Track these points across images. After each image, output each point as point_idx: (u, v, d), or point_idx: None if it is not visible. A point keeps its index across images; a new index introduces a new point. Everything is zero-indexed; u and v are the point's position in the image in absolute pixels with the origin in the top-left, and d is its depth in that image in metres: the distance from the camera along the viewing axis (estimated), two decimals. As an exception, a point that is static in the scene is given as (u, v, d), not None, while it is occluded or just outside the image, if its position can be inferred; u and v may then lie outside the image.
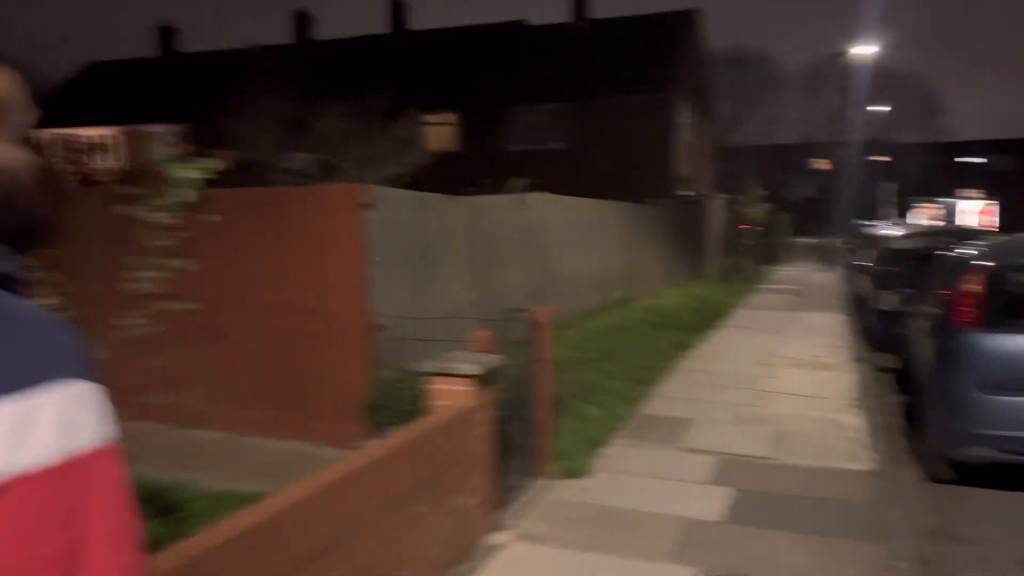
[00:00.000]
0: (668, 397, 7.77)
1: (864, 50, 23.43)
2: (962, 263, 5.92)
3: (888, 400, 8.05)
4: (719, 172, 39.57)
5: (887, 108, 48.02)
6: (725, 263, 23.38)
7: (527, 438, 5.45)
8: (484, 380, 4.32)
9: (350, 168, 11.58)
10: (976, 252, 5.94)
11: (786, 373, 8.92)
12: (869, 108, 42.83)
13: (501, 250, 8.89)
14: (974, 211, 46.12)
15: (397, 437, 3.76)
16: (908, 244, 12.60)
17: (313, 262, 5.94)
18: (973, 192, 53.48)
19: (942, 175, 56.59)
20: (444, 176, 14.57)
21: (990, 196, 50.18)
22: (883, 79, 49.31)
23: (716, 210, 21.88)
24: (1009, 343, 5.18)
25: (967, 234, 12.51)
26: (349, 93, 16.45)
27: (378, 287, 6.11)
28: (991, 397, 5.13)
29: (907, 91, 51.40)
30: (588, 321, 11.15)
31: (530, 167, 25.87)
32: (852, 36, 48.48)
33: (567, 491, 5.23)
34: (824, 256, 25.97)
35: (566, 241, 11.14)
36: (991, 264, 5.47)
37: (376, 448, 3.63)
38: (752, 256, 24.70)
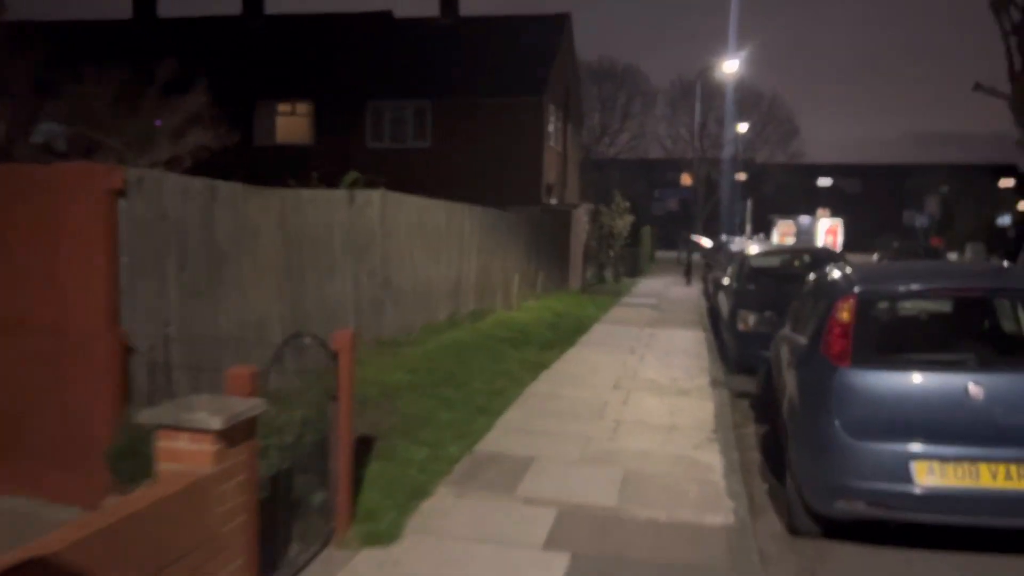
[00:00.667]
0: (511, 429, 6.86)
1: (729, 67, 23.86)
2: (830, 288, 5.33)
3: (746, 431, 7.50)
4: (586, 183, 39.75)
5: (746, 127, 50.15)
6: (589, 274, 23.06)
7: (321, 495, 4.36)
8: (233, 435, 3.19)
9: (121, 148, 9.94)
10: (844, 276, 5.38)
11: (641, 399, 8.25)
12: (732, 126, 44.49)
13: (325, 254, 7.72)
14: (822, 230, 48.78)
15: (77, 526, 2.58)
16: (765, 262, 12.42)
17: (44, 264, 4.58)
18: (823, 211, 56.85)
19: (797, 195, 59.94)
20: (294, 171, 13.07)
21: (836, 216, 53.30)
22: (745, 99, 51.53)
23: (582, 220, 21.51)
24: (883, 381, 4.59)
25: (822, 254, 12.49)
26: (186, 75, 14.70)
27: (136, 297, 4.83)
28: (862, 443, 4.52)
29: (766, 112, 53.95)
30: (433, 337, 10.14)
31: (391, 166, 24.62)
32: (717, 56, 50.35)
33: (365, 566, 4.17)
34: (685, 270, 26.25)
35: (412, 246, 10.09)
36: (863, 290, 4.88)
37: (40, 545, 2.44)
38: (616, 268, 24.56)
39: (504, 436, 6.61)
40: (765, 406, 7.44)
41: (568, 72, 28.65)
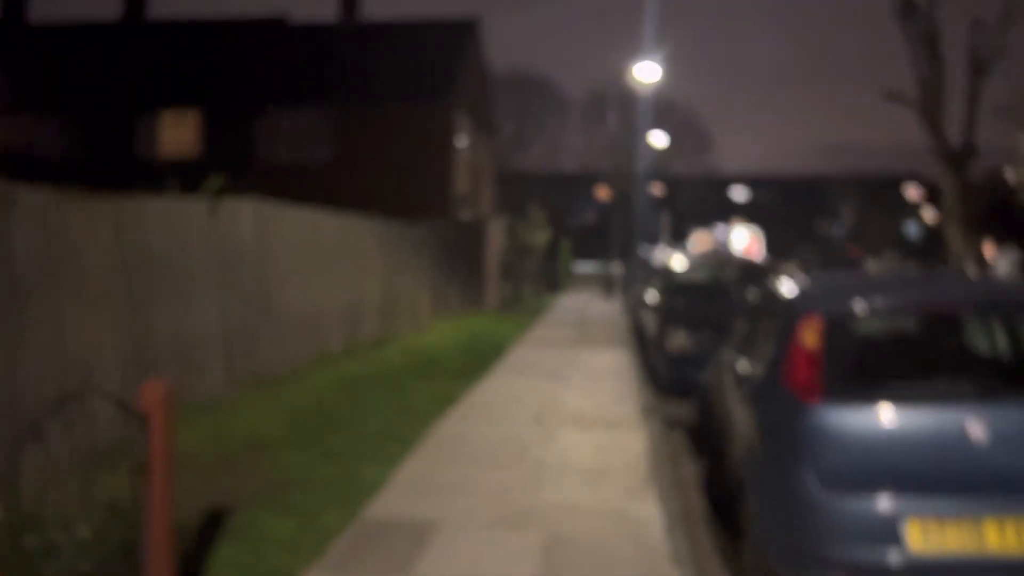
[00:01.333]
0: (409, 484, 5.77)
1: (645, 72, 23.49)
2: (787, 306, 4.49)
3: (686, 470, 6.63)
4: (501, 196, 39.06)
5: (664, 138, 50.53)
6: (505, 291, 22.18)
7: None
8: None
9: None
10: (804, 291, 4.56)
11: (566, 436, 7.29)
12: (648, 137, 44.57)
13: (182, 278, 6.48)
14: (742, 241, 49.44)
15: None
16: (693, 276, 11.74)
17: None
18: (738, 220, 57.86)
19: (712, 206, 60.89)
20: (181, 187, 11.61)
21: (752, 226, 54.23)
22: (659, 110, 51.94)
23: (496, 234, 20.62)
24: (862, 419, 3.74)
25: (752, 266, 11.89)
26: (56, 84, 13.09)
27: None
28: (840, 498, 3.65)
29: (681, 124, 54.58)
30: (323, 370, 8.96)
31: (291, 181, 23.16)
32: (631, 65, 50.62)
33: None
34: (606, 284, 25.69)
35: (297, 266, 8.91)
36: (831, 308, 4.05)
37: None
38: (534, 284, 23.76)
39: (400, 495, 5.51)
40: (704, 438, 6.61)
41: (479, 80, 27.85)
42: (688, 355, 9.20)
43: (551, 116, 54.41)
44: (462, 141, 24.32)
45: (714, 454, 5.78)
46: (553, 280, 27.30)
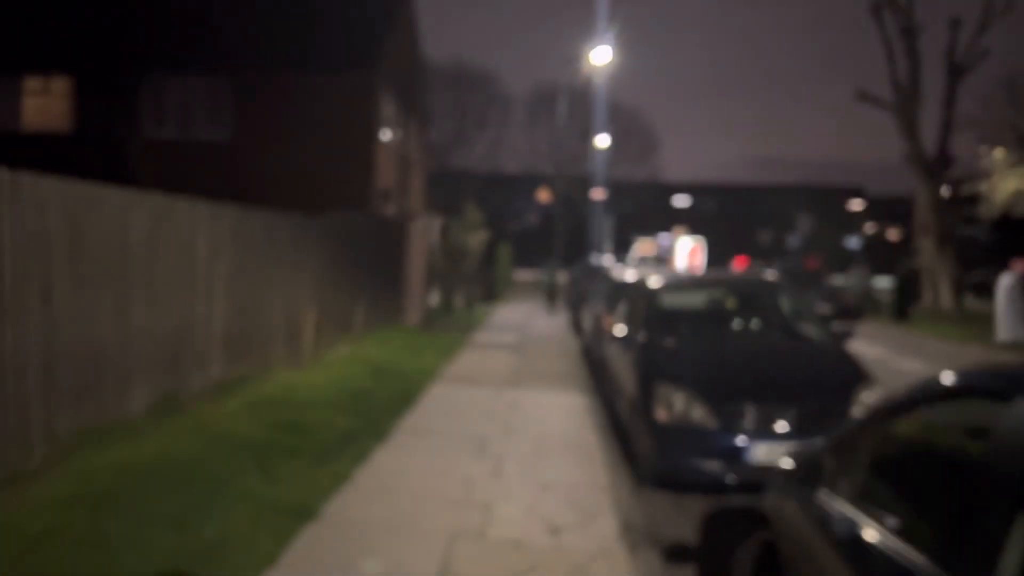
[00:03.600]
0: None
1: (599, 55, 20.12)
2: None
3: None
4: (438, 195, 35.27)
5: (608, 142, 47.45)
6: (432, 303, 18.49)
7: None
8: None
9: None
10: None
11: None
12: (595, 137, 41.37)
13: None
14: (686, 249, 46.64)
15: None
16: (684, 300, 8.26)
17: None
18: (680, 229, 55.21)
19: (655, 213, 58.20)
20: (49, 166, 7.37)
21: (694, 234, 51.59)
22: (606, 111, 48.83)
23: (423, 234, 16.91)
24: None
25: (761, 287, 8.47)
26: None
27: None
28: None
29: (626, 126, 51.59)
30: (87, 459, 5.15)
31: (181, 161, 18.78)
32: (581, 52, 47.49)
33: None
34: (549, 295, 22.20)
35: (53, 276, 5.09)
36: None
37: None
38: (468, 293, 20.12)
39: None
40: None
41: (410, 58, 24.03)
42: (688, 429, 5.73)
43: (494, 113, 50.86)
44: (388, 124, 20.50)
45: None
46: (491, 289, 23.69)
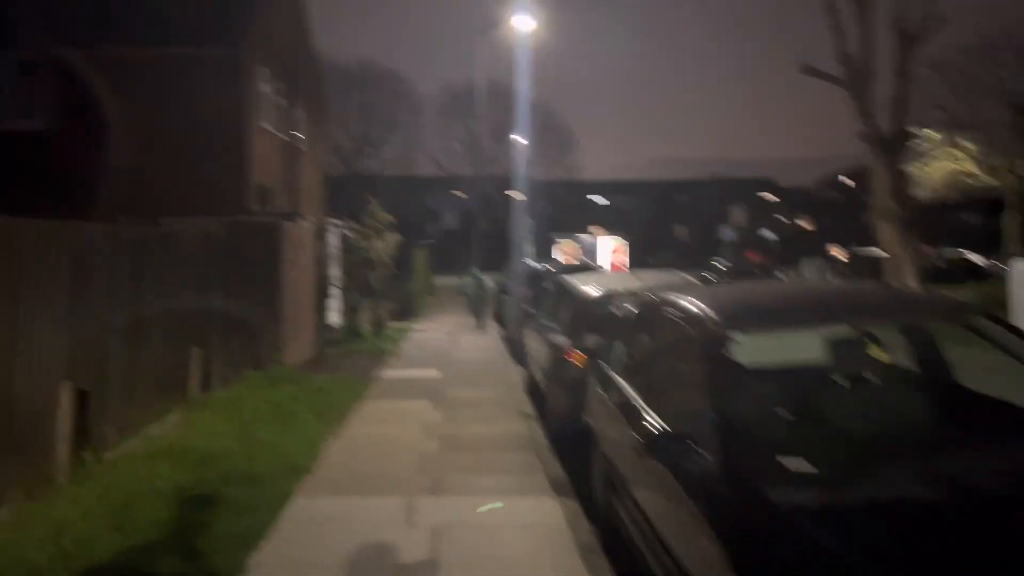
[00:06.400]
0: None
1: (521, 24, 16.21)
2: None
3: None
4: (346, 200, 30.66)
5: (524, 141, 43.73)
6: (338, 325, 14.15)
7: None
8: None
9: None
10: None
11: None
12: (509, 136, 37.59)
13: None
14: (606, 249, 43.35)
15: None
16: (779, 355, 4.28)
17: None
18: (601, 229, 52.03)
19: (572, 211, 54.88)
20: None
21: (611, 233, 48.51)
22: (519, 110, 45.11)
23: (314, 242, 12.58)
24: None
25: (882, 307, 4.57)
26: None
27: None
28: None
29: (542, 123, 47.94)
30: None
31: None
32: (489, 64, 43.82)
33: None
34: (476, 307, 18.13)
35: None
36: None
37: None
38: (376, 311, 15.81)
39: None
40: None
41: (298, 43, 19.54)
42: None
43: (403, 112, 46.37)
44: (266, 110, 15.99)
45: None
46: (406, 303, 19.44)
